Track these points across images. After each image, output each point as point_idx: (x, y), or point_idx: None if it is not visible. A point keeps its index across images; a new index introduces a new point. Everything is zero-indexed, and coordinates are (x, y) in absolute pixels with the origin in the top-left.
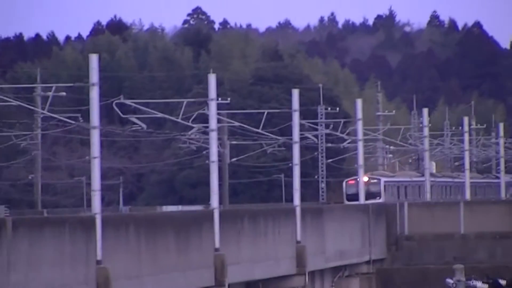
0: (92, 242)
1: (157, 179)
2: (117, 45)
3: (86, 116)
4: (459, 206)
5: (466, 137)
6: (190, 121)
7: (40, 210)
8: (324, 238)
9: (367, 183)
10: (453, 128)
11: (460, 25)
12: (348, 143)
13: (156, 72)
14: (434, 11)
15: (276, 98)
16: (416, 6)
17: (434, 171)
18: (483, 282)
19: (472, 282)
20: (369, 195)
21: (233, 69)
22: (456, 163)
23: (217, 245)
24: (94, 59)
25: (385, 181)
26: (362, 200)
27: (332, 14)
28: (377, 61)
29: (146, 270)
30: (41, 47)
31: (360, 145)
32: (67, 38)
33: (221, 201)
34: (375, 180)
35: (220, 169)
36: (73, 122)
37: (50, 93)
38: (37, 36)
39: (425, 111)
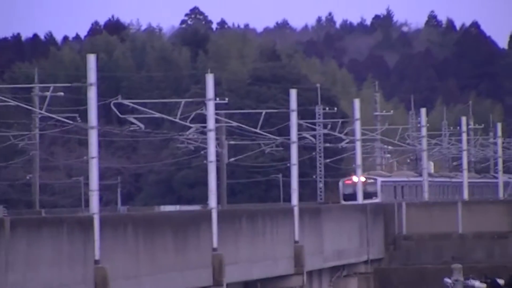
0: (90, 242)
1: (155, 179)
2: (115, 45)
3: (84, 116)
4: (457, 206)
5: (464, 137)
6: (188, 121)
7: (38, 210)
8: (322, 238)
9: (364, 183)
10: (451, 128)
11: (457, 25)
12: (346, 143)
13: (154, 72)
14: (432, 11)
15: (274, 98)
16: (414, 6)
17: (432, 171)
18: (481, 282)
19: (470, 282)
20: (366, 195)
21: (231, 69)
22: (454, 163)
23: (215, 245)
24: (91, 59)
25: (381, 181)
26: (360, 200)
27: (330, 14)
28: (375, 61)
29: (144, 270)
30: (39, 47)
31: (358, 145)
32: (65, 38)
33: (219, 201)
34: (371, 180)
35: (218, 169)
36: (71, 122)
37: (48, 93)
38: (35, 36)
39: (423, 111)
